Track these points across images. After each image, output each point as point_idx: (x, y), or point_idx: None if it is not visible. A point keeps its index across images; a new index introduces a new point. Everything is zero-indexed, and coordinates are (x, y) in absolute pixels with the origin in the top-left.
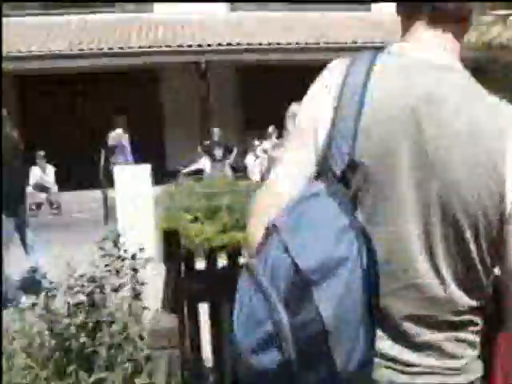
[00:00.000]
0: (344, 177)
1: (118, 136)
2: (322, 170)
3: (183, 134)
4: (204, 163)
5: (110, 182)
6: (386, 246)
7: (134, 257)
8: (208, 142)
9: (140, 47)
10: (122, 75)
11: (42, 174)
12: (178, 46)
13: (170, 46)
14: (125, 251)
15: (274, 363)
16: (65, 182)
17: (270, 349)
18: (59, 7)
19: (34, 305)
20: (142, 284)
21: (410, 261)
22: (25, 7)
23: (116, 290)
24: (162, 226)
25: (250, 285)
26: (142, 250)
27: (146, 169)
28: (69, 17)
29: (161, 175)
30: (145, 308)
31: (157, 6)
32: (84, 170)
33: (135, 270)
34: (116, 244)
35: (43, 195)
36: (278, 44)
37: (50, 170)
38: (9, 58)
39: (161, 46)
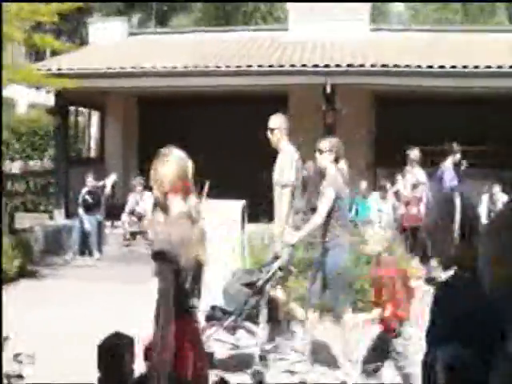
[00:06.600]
0: None
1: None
2: None
3: None
4: None
5: None
6: None
7: None
8: None
9: (260, 66)
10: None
11: (140, 200)
12: (302, 66)
13: (294, 66)
14: None
15: None
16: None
17: None
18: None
19: None
20: None
21: None
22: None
23: None
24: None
25: None
26: None
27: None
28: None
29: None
30: None
31: (292, 26)
32: None
33: None
34: None
35: (138, 223)
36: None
37: (148, 196)
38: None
39: (283, 66)
